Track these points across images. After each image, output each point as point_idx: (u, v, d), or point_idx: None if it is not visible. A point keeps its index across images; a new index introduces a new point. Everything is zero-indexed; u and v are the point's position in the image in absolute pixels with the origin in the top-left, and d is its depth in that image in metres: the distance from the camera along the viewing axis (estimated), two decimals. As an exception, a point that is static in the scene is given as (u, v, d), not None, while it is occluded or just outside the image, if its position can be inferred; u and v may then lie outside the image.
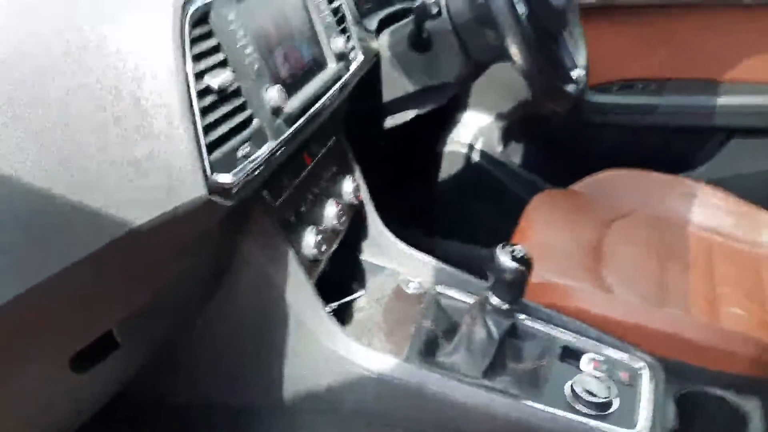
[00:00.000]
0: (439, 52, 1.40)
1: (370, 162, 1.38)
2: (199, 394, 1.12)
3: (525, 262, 1.05)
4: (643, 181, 1.71)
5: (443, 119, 2.07)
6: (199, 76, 0.79)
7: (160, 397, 1.15)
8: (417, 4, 1.31)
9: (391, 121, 1.51)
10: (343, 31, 1.25)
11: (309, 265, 1.07)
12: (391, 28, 1.45)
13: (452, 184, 2.10)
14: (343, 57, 1.18)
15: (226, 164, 0.81)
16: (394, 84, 1.45)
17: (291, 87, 1.00)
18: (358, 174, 1.32)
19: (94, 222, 0.65)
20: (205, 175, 0.76)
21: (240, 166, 0.83)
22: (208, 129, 0.78)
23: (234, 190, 0.81)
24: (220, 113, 0.81)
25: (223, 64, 0.85)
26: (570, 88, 1.34)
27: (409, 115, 1.49)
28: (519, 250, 1.06)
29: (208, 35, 0.84)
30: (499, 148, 2.04)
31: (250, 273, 1.00)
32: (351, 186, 1.24)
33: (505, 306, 1.07)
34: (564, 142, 2.02)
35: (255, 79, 0.90)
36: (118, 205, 0.67)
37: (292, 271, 1.01)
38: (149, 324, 0.89)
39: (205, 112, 0.79)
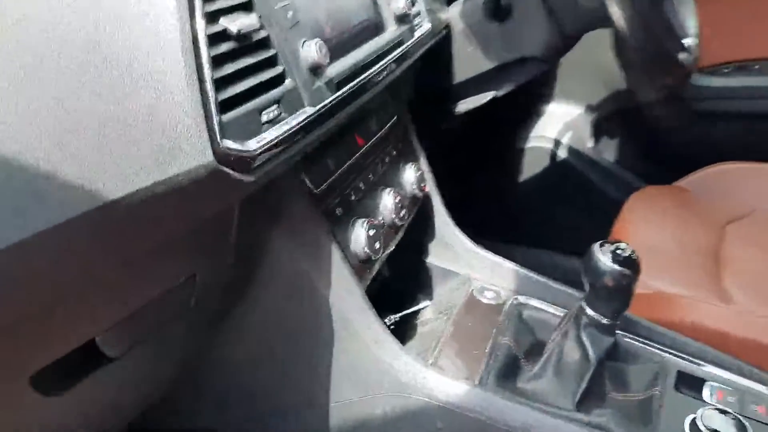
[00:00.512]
0: (521, 21, 1.19)
1: (437, 153, 1.18)
2: (227, 421, 0.94)
3: (631, 264, 0.83)
4: (763, 175, 1.44)
5: (524, 110, 1.85)
6: (212, 16, 0.62)
7: (183, 427, 0.97)
8: None
9: (463, 106, 1.31)
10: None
11: (359, 265, 0.88)
12: (464, -4, 1.25)
13: (534, 184, 1.87)
14: (404, 20, 0.99)
15: (246, 129, 0.64)
16: (468, 61, 1.25)
17: (337, 48, 0.82)
18: (423, 161, 1.13)
19: (66, 189, 0.48)
20: (213, 138, 0.58)
21: (264, 133, 0.65)
22: (222, 83, 0.61)
23: (255, 163, 0.63)
24: (240, 65, 0.64)
25: (246, 6, 0.68)
26: (683, 57, 1.10)
27: (485, 97, 1.29)
28: (623, 248, 0.84)
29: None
30: (590, 144, 1.80)
31: (284, 274, 0.82)
32: (414, 175, 1.05)
33: (605, 320, 0.85)
34: (665, 135, 1.76)
35: (289, 29, 0.72)
36: (98, 169, 0.50)
37: (338, 272, 0.82)
38: (152, 334, 0.71)
39: (219, 61, 0.62)
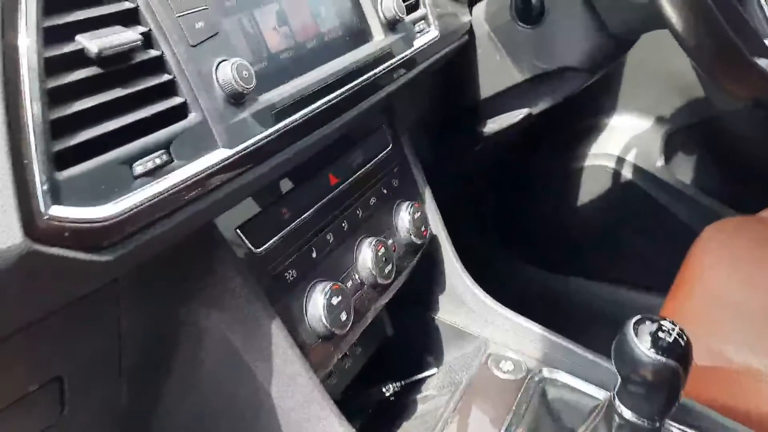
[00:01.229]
0: (557, 24, 0.97)
1: (462, 178, 0.97)
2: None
3: (680, 352, 0.61)
4: None
5: (579, 123, 1.60)
6: (63, 31, 0.45)
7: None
8: None
9: (492, 125, 1.10)
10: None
11: (319, 345, 0.69)
12: (490, -6, 1.04)
13: (593, 208, 1.62)
14: (395, 27, 0.79)
15: (103, 186, 0.46)
16: (495, 72, 1.04)
17: (285, 65, 0.64)
18: (428, 199, 0.92)
19: None
20: (28, 208, 0.41)
21: (133, 192, 0.47)
22: (65, 125, 0.45)
23: (113, 237, 0.46)
24: (101, 98, 0.47)
25: (130, 16, 0.51)
26: (764, 63, 0.85)
27: (517, 115, 1.07)
28: (669, 328, 0.62)
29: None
30: (660, 162, 1.56)
31: (212, 355, 0.63)
32: (411, 217, 0.85)
33: (644, 423, 0.63)
34: (750, 152, 1.48)
35: (195, 46, 0.54)
36: None
37: (281, 356, 0.63)
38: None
39: (63, 95, 0.45)
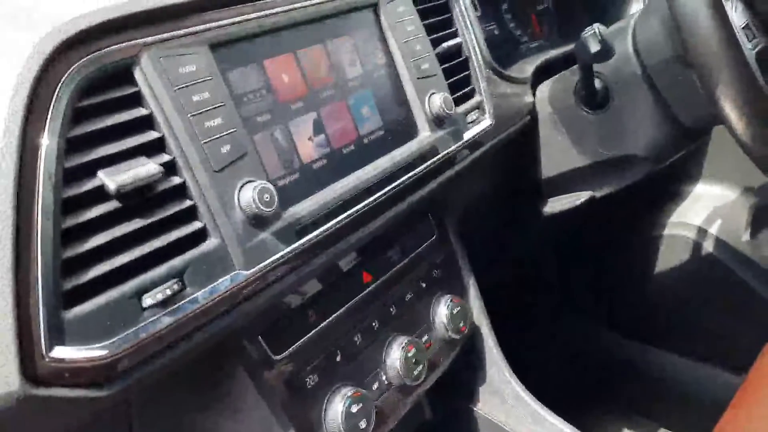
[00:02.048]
0: (623, 111, 0.93)
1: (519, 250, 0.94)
2: None
3: None
4: None
5: (658, 191, 1.52)
6: (84, 170, 0.47)
7: None
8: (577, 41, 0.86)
9: (554, 205, 1.06)
10: (463, 82, 0.86)
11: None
12: (555, 77, 1.01)
13: (670, 279, 1.53)
14: (442, 122, 0.78)
15: (110, 321, 0.47)
16: (557, 153, 1.01)
17: (320, 173, 0.64)
18: (472, 289, 0.90)
19: None
20: (29, 351, 0.43)
21: (140, 326, 0.48)
22: (77, 263, 0.46)
23: (117, 371, 0.47)
24: (117, 232, 0.49)
25: (157, 146, 0.52)
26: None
27: (579, 198, 1.03)
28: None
29: (132, 101, 0.52)
30: (746, 237, 1.44)
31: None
32: (449, 312, 0.83)
33: None
34: None
35: (219, 171, 0.55)
36: None
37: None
38: None
39: (75, 232, 0.46)
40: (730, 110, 0.71)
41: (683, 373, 1.57)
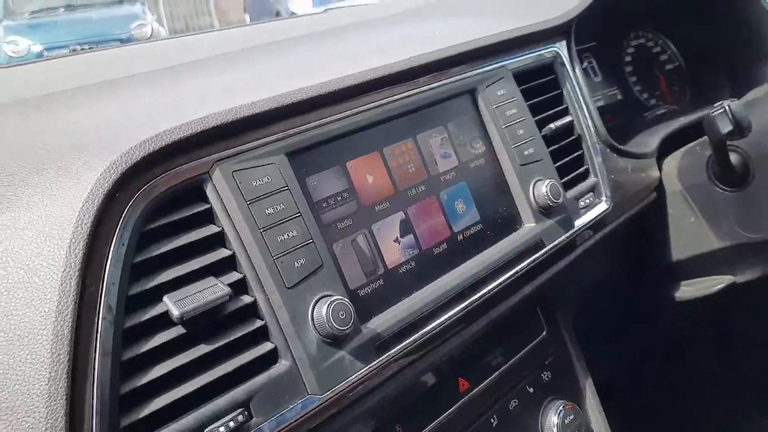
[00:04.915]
0: (763, 190, 0.81)
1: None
2: None
3: None
4: None
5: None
6: (149, 295, 0.46)
7: None
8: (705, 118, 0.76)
9: (688, 291, 0.94)
10: (575, 163, 0.79)
11: None
12: (683, 149, 0.90)
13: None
14: (549, 212, 0.71)
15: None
16: (689, 233, 0.90)
17: (407, 279, 0.60)
18: (590, 394, 0.80)
19: None
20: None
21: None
22: (133, 394, 0.44)
23: None
24: (179, 361, 0.46)
25: (226, 264, 0.50)
26: None
27: (717, 283, 0.91)
28: None
29: (202, 218, 0.50)
30: None
31: None
32: (562, 420, 0.74)
33: None
34: None
35: (291, 288, 0.52)
36: None
37: None
38: None
39: (135, 363, 0.45)
40: None
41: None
